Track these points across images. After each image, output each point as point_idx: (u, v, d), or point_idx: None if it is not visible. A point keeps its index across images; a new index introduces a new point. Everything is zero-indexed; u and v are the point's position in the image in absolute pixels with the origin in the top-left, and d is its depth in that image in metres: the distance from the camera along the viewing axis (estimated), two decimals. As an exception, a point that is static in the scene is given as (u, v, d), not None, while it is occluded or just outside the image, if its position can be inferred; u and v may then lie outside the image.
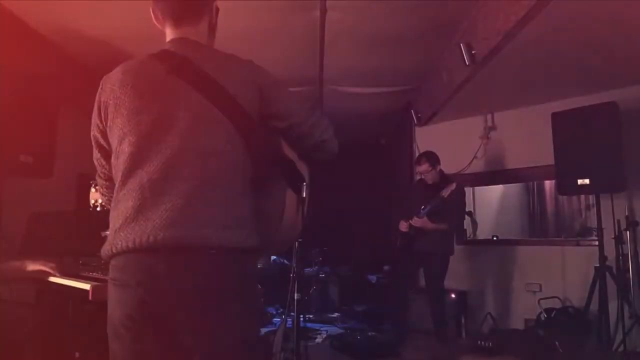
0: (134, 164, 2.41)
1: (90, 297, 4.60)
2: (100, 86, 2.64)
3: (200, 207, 2.35)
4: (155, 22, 2.77)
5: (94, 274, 5.24)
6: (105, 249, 2.41)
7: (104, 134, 2.61)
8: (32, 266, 5.17)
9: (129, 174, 2.42)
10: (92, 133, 2.70)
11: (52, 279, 5.14)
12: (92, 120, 2.67)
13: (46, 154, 6.09)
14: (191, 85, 2.48)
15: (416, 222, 7.56)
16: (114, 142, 2.52)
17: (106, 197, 2.88)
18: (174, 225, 2.28)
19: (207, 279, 2.32)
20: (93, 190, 3.64)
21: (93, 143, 2.72)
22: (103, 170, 2.78)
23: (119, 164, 2.48)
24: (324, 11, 5.67)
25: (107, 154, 2.66)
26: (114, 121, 2.51)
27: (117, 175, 2.49)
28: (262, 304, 8.87)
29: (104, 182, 2.83)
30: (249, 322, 2.51)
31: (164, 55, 2.61)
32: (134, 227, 2.31)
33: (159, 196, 2.34)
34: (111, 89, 2.56)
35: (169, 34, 2.72)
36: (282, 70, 5.93)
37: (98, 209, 3.58)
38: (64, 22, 5.77)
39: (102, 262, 5.57)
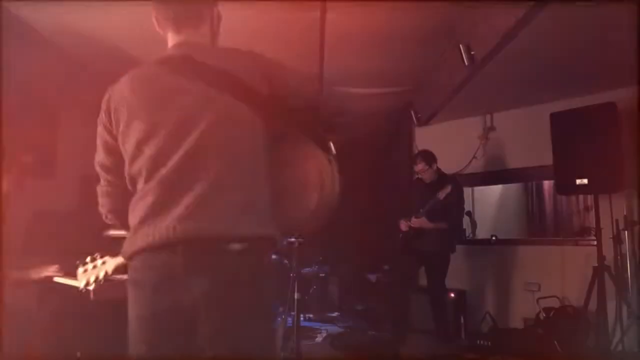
0: (156, 164, 2.42)
1: (91, 297, 4.59)
2: (108, 94, 2.64)
3: (218, 198, 2.37)
4: (158, 29, 2.78)
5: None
6: (126, 248, 2.46)
7: (115, 138, 2.60)
8: (36, 272, 5.18)
9: (150, 175, 2.43)
10: (101, 138, 2.68)
11: (56, 279, 5.13)
12: (101, 127, 2.66)
13: (47, 154, 6.08)
14: (199, 79, 2.50)
15: (414, 222, 7.58)
16: (129, 145, 2.51)
17: (106, 208, 2.84)
18: (191, 216, 2.31)
19: (225, 272, 2.34)
20: (81, 270, 3.43)
21: (101, 148, 2.70)
22: (108, 175, 2.74)
23: (137, 167, 2.48)
24: (324, 11, 5.65)
25: (116, 159, 2.63)
26: (130, 126, 2.50)
27: (136, 178, 2.50)
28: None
29: (107, 189, 2.78)
30: (265, 314, 2.56)
31: (167, 59, 2.64)
32: (154, 221, 2.34)
33: (177, 191, 2.36)
34: (121, 96, 2.56)
35: (171, 39, 2.74)
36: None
37: (91, 287, 3.43)
38: (65, 22, 5.75)
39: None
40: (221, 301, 2.32)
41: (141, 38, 4.36)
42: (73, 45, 6.28)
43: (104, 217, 2.90)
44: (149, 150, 2.44)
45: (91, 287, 3.30)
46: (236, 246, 2.34)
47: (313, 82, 2.75)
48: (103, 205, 2.84)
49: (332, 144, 2.84)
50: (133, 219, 2.45)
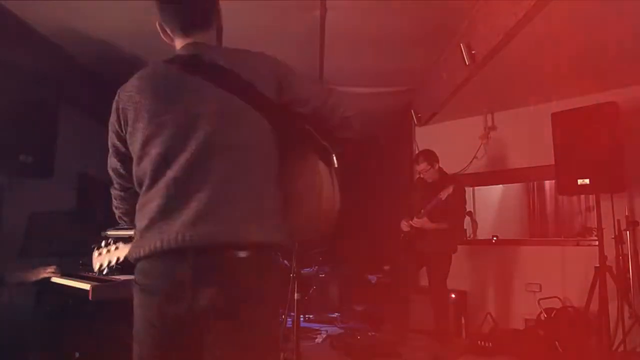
0: (162, 164, 2.42)
1: (90, 297, 4.60)
2: (117, 95, 2.64)
3: (228, 203, 2.36)
4: (164, 38, 2.80)
5: (94, 274, 5.24)
6: (132, 251, 2.43)
7: (124, 141, 2.61)
8: (35, 272, 5.19)
9: (156, 175, 2.42)
10: (111, 142, 2.69)
11: (54, 280, 5.14)
12: (111, 129, 2.66)
13: (46, 154, 6.09)
14: (207, 79, 2.50)
15: (416, 222, 7.55)
16: (135, 146, 2.52)
17: (122, 210, 2.88)
18: (201, 222, 2.29)
19: (234, 281, 2.32)
20: (96, 254, 3.58)
21: (112, 152, 2.71)
22: (120, 180, 2.76)
23: (143, 167, 2.47)
24: (324, 11, 5.66)
25: (126, 162, 2.65)
26: (135, 126, 2.51)
27: (142, 179, 2.49)
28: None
29: (120, 193, 2.82)
30: (273, 324, 2.54)
31: (175, 58, 2.64)
32: (160, 227, 2.33)
33: (185, 194, 2.35)
34: (129, 96, 2.57)
35: (179, 42, 2.73)
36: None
37: (104, 272, 3.54)
38: (65, 22, 5.76)
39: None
40: (229, 310, 2.31)
41: (140, 37, 4.40)
42: (72, 45, 6.30)
43: (117, 217, 2.96)
44: (154, 150, 2.43)
45: (104, 272, 3.49)
46: (245, 253, 2.34)
47: (322, 91, 2.72)
48: (117, 208, 2.90)
49: (334, 157, 2.85)
50: (140, 221, 2.43)
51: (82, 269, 5.49)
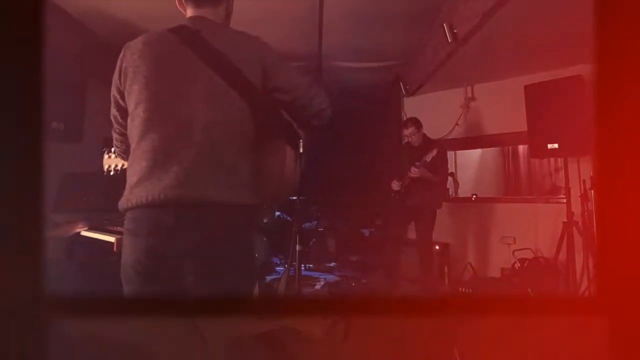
0: (148, 127, 2.54)
1: (115, 249, 4.68)
2: (122, 52, 2.74)
3: (206, 170, 2.49)
4: (178, 6, 2.87)
5: (119, 227, 5.31)
6: (122, 203, 2.56)
7: (122, 95, 2.71)
8: (66, 227, 5.26)
9: (143, 135, 2.54)
10: (112, 93, 2.79)
11: (83, 233, 5.21)
12: (113, 82, 2.76)
13: (76, 122, 6.16)
14: (201, 59, 2.58)
15: (415, 172, 7.54)
16: (130, 105, 2.63)
17: (119, 149, 3.05)
18: (182, 185, 2.43)
19: (210, 230, 2.48)
20: (106, 156, 3.69)
21: (112, 102, 2.81)
22: (118, 126, 2.88)
23: (135, 126, 2.59)
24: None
25: (123, 113, 2.75)
26: (132, 87, 2.62)
27: (133, 136, 2.61)
28: (268, 255, 8.97)
29: (119, 137, 2.95)
30: (245, 265, 2.68)
31: (179, 29, 2.70)
32: (147, 185, 2.46)
33: (169, 159, 2.47)
34: (131, 57, 2.66)
35: (189, 12, 2.81)
36: (284, 47, 5.97)
37: (112, 173, 3.65)
38: (91, 4, 5.80)
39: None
40: (204, 251, 2.47)
41: (159, 16, 4.43)
42: (97, 24, 6.33)
43: (117, 154, 3.26)
44: (144, 114, 2.55)
45: (112, 173, 3.70)
46: (218, 210, 2.48)
47: (305, 83, 2.82)
48: (117, 147, 3.07)
49: (301, 143, 3.05)
50: (131, 177, 2.55)
51: (107, 223, 5.56)
